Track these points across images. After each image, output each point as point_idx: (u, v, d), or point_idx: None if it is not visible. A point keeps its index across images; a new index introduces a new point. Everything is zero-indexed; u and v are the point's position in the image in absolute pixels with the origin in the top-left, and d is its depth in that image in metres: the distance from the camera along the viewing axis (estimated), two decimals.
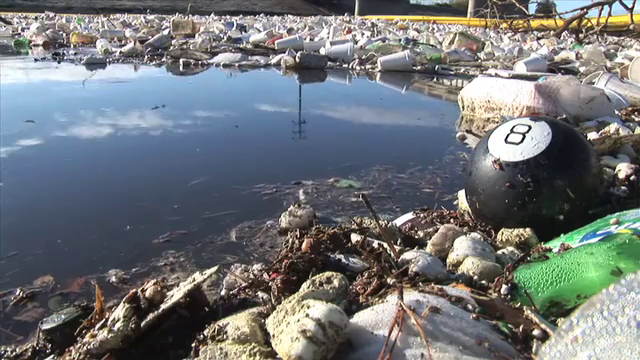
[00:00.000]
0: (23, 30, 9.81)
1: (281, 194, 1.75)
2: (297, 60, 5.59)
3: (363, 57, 6.19)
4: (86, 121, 2.93)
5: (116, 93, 4.09)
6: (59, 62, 5.72)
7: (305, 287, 0.78)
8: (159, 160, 2.30)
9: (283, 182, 1.85)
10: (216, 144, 2.61)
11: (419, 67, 5.82)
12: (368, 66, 5.89)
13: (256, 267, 1.16)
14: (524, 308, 0.73)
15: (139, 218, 1.57)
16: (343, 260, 0.96)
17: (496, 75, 3.52)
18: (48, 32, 8.39)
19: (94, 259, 1.28)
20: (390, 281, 0.82)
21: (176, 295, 0.84)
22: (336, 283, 0.77)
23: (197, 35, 8.15)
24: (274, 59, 5.97)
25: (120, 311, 0.81)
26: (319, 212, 1.58)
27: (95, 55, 6.17)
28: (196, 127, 2.90)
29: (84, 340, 0.79)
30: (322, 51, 6.49)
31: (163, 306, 0.82)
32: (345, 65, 6.01)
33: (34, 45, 7.44)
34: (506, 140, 1.25)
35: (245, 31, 9.83)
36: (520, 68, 4.92)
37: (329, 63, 5.90)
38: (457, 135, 2.71)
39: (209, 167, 2.14)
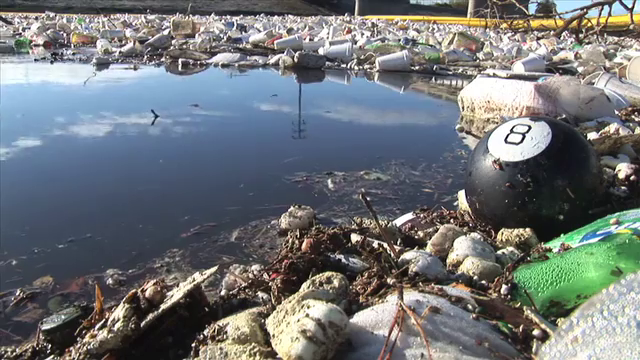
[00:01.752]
0: (24, 30, 9.81)
1: (312, 182, 1.89)
2: (295, 60, 5.59)
3: (361, 57, 6.19)
4: (88, 120, 2.94)
5: (122, 92, 4.10)
6: (52, 62, 5.73)
7: (305, 287, 0.78)
8: (200, 152, 2.46)
9: (317, 172, 2.00)
10: (249, 139, 2.74)
11: (417, 67, 5.82)
12: (366, 66, 5.89)
13: (255, 267, 1.16)
14: (524, 308, 0.73)
15: (155, 214, 1.60)
16: (343, 260, 0.96)
17: (494, 75, 3.51)
18: (49, 32, 8.39)
19: (93, 260, 1.28)
20: (390, 281, 0.82)
21: (176, 295, 0.84)
22: (336, 283, 0.77)
23: (197, 35, 8.15)
24: (273, 59, 5.97)
25: (120, 311, 0.81)
26: (333, 209, 1.62)
27: (95, 55, 6.18)
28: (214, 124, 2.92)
29: (84, 340, 0.79)
30: (321, 51, 6.49)
31: (163, 306, 0.82)
32: (343, 65, 6.01)
33: (35, 45, 7.44)
34: (506, 140, 1.25)
35: (245, 31, 9.83)
36: (518, 68, 4.92)
37: (327, 63, 5.90)
38: (456, 127, 2.91)
39: (248, 158, 2.34)
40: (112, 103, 3.53)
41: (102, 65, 5.58)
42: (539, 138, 1.21)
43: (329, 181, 1.88)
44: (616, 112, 2.81)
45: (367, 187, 1.85)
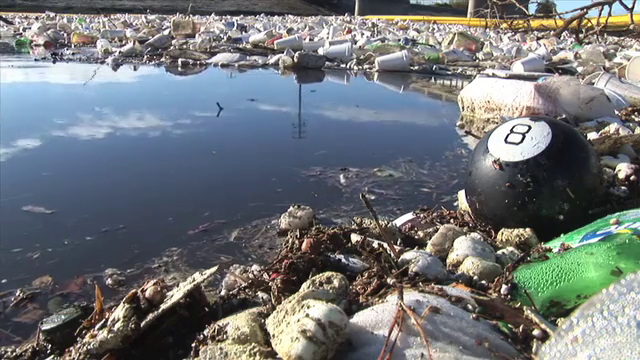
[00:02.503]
0: (24, 30, 9.81)
1: (325, 177, 1.95)
2: (295, 60, 5.58)
3: (361, 57, 6.18)
4: (87, 120, 2.94)
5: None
6: (54, 62, 5.75)
7: (305, 287, 0.78)
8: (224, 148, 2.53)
9: (332, 167, 2.05)
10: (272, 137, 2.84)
11: (416, 67, 5.82)
12: (366, 66, 5.88)
13: (255, 267, 1.16)
14: (524, 308, 0.73)
15: (168, 208, 1.64)
16: (343, 260, 0.96)
17: (493, 75, 3.51)
18: (49, 32, 8.39)
19: (94, 259, 1.27)
20: (390, 281, 0.82)
21: (176, 295, 0.84)
22: (336, 283, 0.77)
23: (197, 35, 8.15)
24: (272, 59, 5.97)
25: (120, 311, 0.81)
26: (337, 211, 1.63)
27: (95, 55, 6.19)
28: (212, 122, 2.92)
29: (84, 340, 0.79)
30: (320, 51, 6.49)
31: (163, 306, 0.82)
32: (343, 65, 6.01)
33: (35, 45, 7.44)
34: (506, 140, 1.25)
35: (245, 31, 9.82)
36: (517, 68, 4.92)
37: (327, 63, 5.89)
38: (457, 124, 2.99)
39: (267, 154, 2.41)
40: (117, 103, 3.54)
41: (117, 66, 5.62)
42: (539, 138, 1.21)
43: (341, 176, 1.92)
44: (616, 112, 2.81)
45: (377, 184, 1.86)
